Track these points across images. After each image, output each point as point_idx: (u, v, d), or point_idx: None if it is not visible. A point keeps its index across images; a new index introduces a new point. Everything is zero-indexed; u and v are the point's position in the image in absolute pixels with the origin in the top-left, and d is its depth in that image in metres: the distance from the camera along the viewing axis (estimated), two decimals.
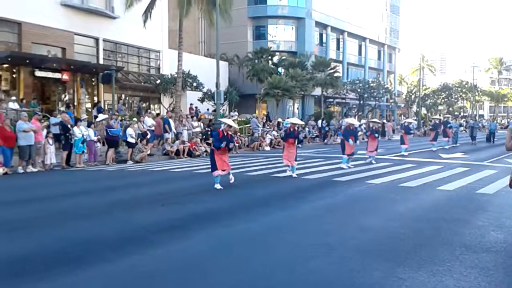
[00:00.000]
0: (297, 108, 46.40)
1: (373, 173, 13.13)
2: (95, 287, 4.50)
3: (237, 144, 23.58)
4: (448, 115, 29.88)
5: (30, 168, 14.62)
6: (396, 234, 6.37)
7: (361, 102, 49.49)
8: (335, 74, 43.07)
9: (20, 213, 8.05)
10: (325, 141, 30.81)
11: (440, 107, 64.87)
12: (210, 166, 10.69)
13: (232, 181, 10.69)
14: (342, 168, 14.20)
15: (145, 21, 26.91)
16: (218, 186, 10.39)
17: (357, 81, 48.51)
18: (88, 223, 7.25)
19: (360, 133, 30.80)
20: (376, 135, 16.84)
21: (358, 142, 15.99)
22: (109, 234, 6.52)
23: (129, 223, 7.21)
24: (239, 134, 25.78)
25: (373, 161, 16.10)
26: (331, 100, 49.39)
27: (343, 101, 50.04)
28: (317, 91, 43.28)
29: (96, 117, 23.63)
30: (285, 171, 13.02)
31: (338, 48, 53.91)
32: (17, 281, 4.59)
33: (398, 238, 6.19)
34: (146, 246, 5.83)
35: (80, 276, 4.74)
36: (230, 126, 10.79)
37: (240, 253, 5.56)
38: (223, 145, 10.37)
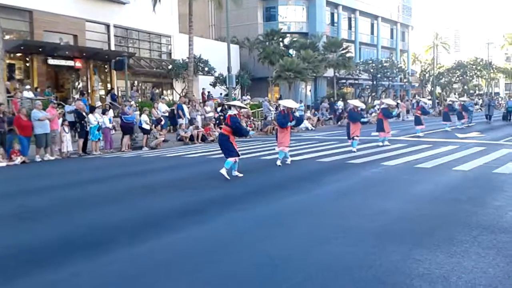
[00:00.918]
0: (310, 90, 46.11)
1: (388, 154, 13.07)
2: (115, 272, 4.58)
3: (250, 128, 23.65)
4: (464, 99, 29.29)
5: (47, 156, 14.82)
6: (412, 216, 6.38)
7: (374, 82, 48.98)
8: (347, 55, 42.60)
9: (38, 201, 8.21)
10: (339, 123, 30.67)
11: (455, 86, 63.97)
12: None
13: (240, 175, 10.02)
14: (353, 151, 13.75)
15: (154, 5, 26.84)
16: (237, 173, 9.99)
17: (370, 61, 47.95)
18: (105, 209, 7.37)
19: (373, 114, 30.62)
20: (389, 115, 16.44)
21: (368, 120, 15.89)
22: (127, 220, 6.62)
23: (146, 209, 7.31)
24: (252, 118, 25.79)
25: (387, 143, 15.79)
26: (344, 81, 48.96)
27: (356, 82, 49.58)
28: (330, 73, 42.93)
29: (111, 104, 23.84)
30: (300, 155, 12.94)
31: (350, 27, 53.22)
32: (38, 268, 4.69)
33: (414, 220, 6.19)
34: (164, 231, 5.91)
35: (100, 262, 4.84)
36: (241, 108, 10.56)
37: (257, 237, 5.62)
38: (251, 132, 10.52)
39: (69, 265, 4.73)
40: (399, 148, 14.72)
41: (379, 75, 47.80)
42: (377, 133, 16.15)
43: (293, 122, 11.95)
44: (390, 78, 49.44)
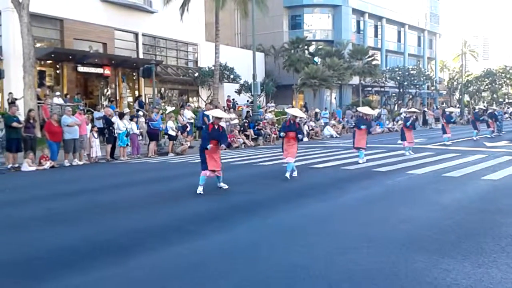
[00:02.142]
0: (335, 98, 45.89)
1: (415, 163, 12.88)
2: (140, 277, 4.63)
3: (274, 135, 23.68)
4: (493, 107, 28.66)
5: (76, 161, 15.15)
6: (440, 225, 6.27)
7: (401, 90, 48.39)
8: (373, 62, 42.29)
9: (66, 205, 8.36)
10: None
11: (484, 94, 62.66)
12: (249, 158, 10.53)
13: (225, 187, 9.33)
14: (358, 163, 12.97)
15: (182, 14, 27.25)
16: (200, 189, 8.87)
17: (397, 69, 47.42)
18: (132, 214, 7.46)
19: (399, 122, 30.25)
20: (412, 125, 15.77)
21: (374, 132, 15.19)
22: (153, 225, 6.71)
23: (171, 214, 7.39)
24: (276, 125, 25.82)
25: (411, 152, 15.30)
26: (370, 89, 48.56)
27: (382, 89, 49.11)
28: (355, 80, 42.67)
29: (138, 110, 24.20)
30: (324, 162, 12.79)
31: (376, 35, 52.84)
32: (66, 271, 4.76)
33: (442, 229, 6.09)
34: (188, 237, 5.97)
35: (126, 266, 4.90)
36: (219, 119, 9.31)
37: (279, 244, 5.61)
38: (209, 147, 8.88)
39: (97, 269, 4.80)
40: (426, 156, 14.51)
41: (405, 83, 47.21)
42: (401, 142, 15.93)
43: (300, 136, 11.08)
44: (417, 86, 48.80)
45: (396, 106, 46.73)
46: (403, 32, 56.46)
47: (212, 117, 9.63)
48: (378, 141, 21.77)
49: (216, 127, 9.12)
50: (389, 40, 54.34)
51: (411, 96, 51.30)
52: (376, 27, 52.79)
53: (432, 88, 55.62)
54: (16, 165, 13.92)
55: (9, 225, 6.90)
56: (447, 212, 7.13)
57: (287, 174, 10.63)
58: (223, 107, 27.17)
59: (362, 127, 13.40)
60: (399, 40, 56.50)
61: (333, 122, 29.63)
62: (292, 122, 11.17)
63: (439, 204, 7.77)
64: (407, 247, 5.28)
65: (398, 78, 46.74)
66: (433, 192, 8.85)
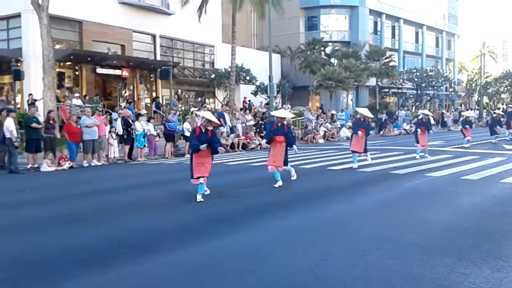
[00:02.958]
0: (351, 100, 45.66)
1: (433, 165, 12.75)
2: (157, 277, 4.67)
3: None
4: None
5: (94, 162, 15.34)
6: (458, 229, 6.20)
7: (419, 91, 47.95)
8: (391, 63, 41.97)
9: (84, 205, 8.47)
10: (381, 132, 30.20)
11: (503, 96, 61.66)
12: (266, 159, 10.19)
13: (207, 192, 8.57)
14: (356, 167, 12.46)
15: (199, 17, 27.43)
16: (199, 197, 8.25)
17: (414, 70, 47.00)
18: (149, 214, 7.53)
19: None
20: (427, 128, 15.20)
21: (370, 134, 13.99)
22: (170, 225, 6.77)
23: (188, 215, 7.45)
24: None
25: (426, 155, 14.80)
26: (387, 90, 48.20)
27: (400, 91, 48.70)
28: (372, 82, 42.39)
29: (155, 112, 24.45)
30: (340, 164, 12.65)
31: (393, 36, 52.43)
32: (84, 270, 4.82)
33: (460, 232, 6.02)
34: (205, 237, 6.00)
35: (144, 265, 4.94)
36: (209, 121, 8.56)
37: (297, 246, 5.59)
38: (202, 147, 8.14)
39: (115, 268, 4.86)
40: (445, 159, 14.34)
41: (423, 84, 46.76)
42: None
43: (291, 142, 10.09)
44: (435, 88, 48.29)
45: (414, 108, 46.30)
46: (421, 33, 55.92)
47: (202, 118, 8.87)
48: (395, 143, 21.61)
49: (203, 131, 8.35)
50: (407, 41, 53.86)
51: (429, 98, 50.79)
52: (393, 28, 52.38)
53: (451, 89, 54.98)
54: (36, 166, 14.15)
55: (29, 225, 7.00)
56: (466, 215, 7.05)
57: (277, 184, 9.67)
58: (239, 108, 27.26)
59: (359, 133, 12.76)
60: (417, 41, 55.96)
61: (349, 123, 29.45)
62: (279, 125, 10.02)
63: (457, 207, 7.69)
64: (426, 250, 5.23)
65: (416, 79, 46.31)
66: (452, 195, 8.76)
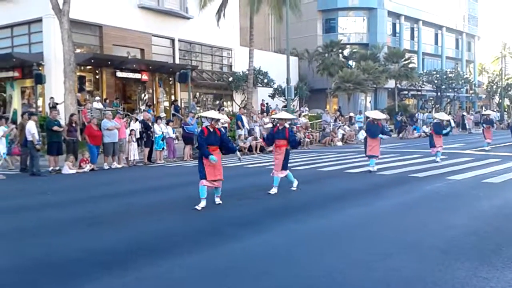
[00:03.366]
0: (370, 102, 45.35)
1: (453, 168, 12.59)
2: (177, 279, 4.71)
3: (308, 140, 23.60)
4: None
5: (115, 164, 15.52)
6: (480, 232, 6.12)
7: (439, 94, 47.38)
8: (410, 65, 41.56)
9: (105, 207, 8.57)
10: (400, 135, 29.93)
11: None
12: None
13: (218, 202, 8.22)
14: (372, 171, 12.18)
15: (218, 20, 27.60)
16: (202, 204, 7.89)
17: (434, 72, 46.45)
18: (168, 217, 7.58)
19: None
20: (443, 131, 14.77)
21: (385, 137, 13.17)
22: (188, 228, 6.83)
23: (207, 217, 7.47)
24: (310, 129, 25.74)
25: (439, 158, 14.33)
26: (406, 92, 47.74)
27: (419, 93, 48.19)
28: (391, 84, 42.03)
29: (174, 115, 24.64)
30: (359, 167, 12.52)
31: (412, 37, 51.93)
32: (105, 272, 4.88)
33: (482, 236, 5.95)
34: (223, 240, 6.03)
35: (163, 268, 4.99)
36: (216, 120, 8.32)
37: (316, 248, 5.59)
38: (213, 159, 7.85)
39: (135, 270, 4.91)
40: (465, 162, 14.15)
41: (443, 86, 46.19)
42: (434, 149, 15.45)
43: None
44: (456, 90, 47.66)
45: (433, 110, 45.77)
46: (440, 35, 55.27)
47: (208, 119, 8.52)
48: (414, 146, 21.39)
49: (212, 130, 8.08)
50: (426, 42, 53.29)
51: (449, 100, 50.15)
52: (412, 29, 51.90)
53: (471, 91, 54.19)
54: (57, 168, 14.36)
55: (50, 227, 7.10)
56: (487, 218, 6.96)
57: (272, 190, 9.30)
58: (257, 111, 27.30)
59: (382, 136, 12.67)
60: (436, 43, 55.34)
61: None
62: (280, 128, 9.69)
63: (479, 210, 7.59)
64: (447, 254, 5.18)
65: (436, 81, 45.79)
66: (473, 198, 8.64)
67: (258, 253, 5.50)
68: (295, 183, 9.74)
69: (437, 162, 14.00)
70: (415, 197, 8.95)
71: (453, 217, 7.10)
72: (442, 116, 16.64)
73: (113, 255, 5.50)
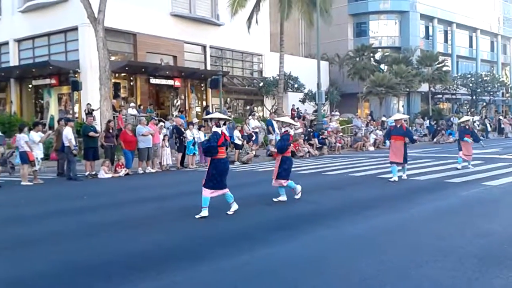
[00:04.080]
0: (402, 106, 44.66)
1: (490, 174, 12.27)
2: (210, 282, 4.76)
3: (339, 144, 23.45)
4: None
5: (149, 169, 15.82)
6: None
7: (474, 97, 46.28)
8: (444, 69, 40.77)
9: (139, 211, 8.73)
10: (435, 140, 29.38)
11: None
12: (315, 167, 10.17)
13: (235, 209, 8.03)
14: (394, 181, 11.43)
15: (249, 27, 27.83)
16: (205, 213, 7.73)
17: (469, 75, 45.43)
18: (201, 221, 7.63)
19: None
20: (473, 137, 13.91)
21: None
22: (221, 232, 6.89)
23: (239, 222, 7.51)
24: (341, 134, 25.57)
25: (470, 165, 13.61)
26: (440, 96, 46.84)
27: (453, 97, 47.19)
28: (424, 87, 41.31)
29: (205, 120, 24.84)
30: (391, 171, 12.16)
31: (446, 40, 50.95)
32: (140, 275, 4.96)
33: None
34: (256, 245, 6.06)
35: (198, 271, 5.05)
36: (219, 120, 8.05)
37: (349, 255, 5.56)
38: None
39: (169, 273, 4.98)
40: (503, 167, 13.76)
41: (478, 90, 45.10)
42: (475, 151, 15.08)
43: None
44: (491, 93, 46.45)
45: (468, 114, 44.74)
46: (474, 37, 54.05)
47: (214, 119, 8.38)
48: (450, 150, 20.93)
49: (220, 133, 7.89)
50: (460, 45, 52.19)
51: (484, 104, 48.93)
52: (446, 32, 50.94)
53: (507, 95, 52.68)
54: (94, 173, 14.72)
55: (86, 231, 7.25)
56: None
57: (280, 198, 9.11)
58: (288, 116, 27.30)
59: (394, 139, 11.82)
60: (470, 46, 54.12)
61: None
62: (287, 133, 9.38)
63: None
64: (484, 262, 5.06)
65: (471, 85, 44.77)
66: (510, 204, 8.43)
67: (289, 258, 5.49)
68: (298, 191, 9.29)
69: (468, 168, 13.43)
70: (451, 203, 8.77)
71: (489, 223, 6.93)
72: (464, 119, 15.61)
73: (148, 259, 5.58)
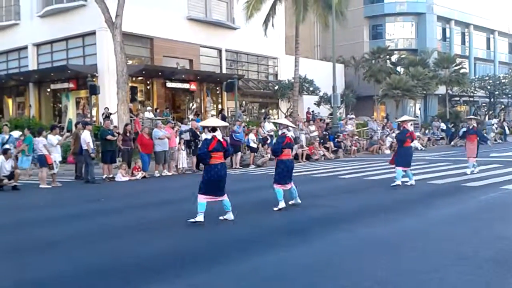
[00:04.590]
0: (419, 109, 44.23)
1: (509, 177, 12.05)
2: (225, 286, 4.78)
3: (355, 148, 23.34)
4: None
5: (165, 172, 15.94)
6: None
7: (492, 100, 45.65)
8: (461, 71, 40.28)
9: (156, 214, 8.79)
10: (452, 143, 29.04)
11: None
12: (330, 171, 10.18)
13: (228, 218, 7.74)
14: (397, 185, 11.03)
15: (265, 30, 27.90)
16: (200, 218, 7.48)
17: (486, 77, 44.80)
18: (216, 224, 7.65)
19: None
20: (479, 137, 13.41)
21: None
22: (235, 236, 6.92)
23: (253, 226, 7.53)
24: (357, 137, 25.45)
25: (475, 170, 13.04)
26: (457, 98, 46.29)
27: (471, 99, 46.61)
28: (441, 90, 40.88)
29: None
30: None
31: (463, 42, 50.35)
32: (156, 278, 5.00)
33: None
34: (271, 248, 6.06)
35: (214, 275, 5.08)
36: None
37: (365, 259, 5.53)
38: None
39: (186, 276, 5.02)
40: None
41: (497, 92, 44.48)
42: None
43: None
44: (510, 95, 45.78)
45: (486, 117, 44.12)
46: (492, 39, 53.32)
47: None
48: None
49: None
50: (478, 47, 51.53)
51: (503, 106, 48.22)
52: (463, 34, 50.37)
53: None
54: (111, 176, 14.88)
55: (104, 233, 7.34)
56: None
57: (280, 205, 8.60)
58: (303, 119, 27.26)
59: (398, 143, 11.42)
60: (488, 47, 53.41)
61: (417, 134, 28.61)
62: (283, 135, 8.98)
63: None
64: (503, 266, 5.01)
65: (489, 87, 44.16)
66: None
67: (305, 262, 5.49)
68: (279, 206, 8.60)
69: (468, 173, 12.77)
70: (469, 207, 8.68)
71: (508, 228, 6.85)
72: (472, 117, 14.88)
73: (165, 261, 5.64)
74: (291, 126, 9.27)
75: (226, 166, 7.96)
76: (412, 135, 11.66)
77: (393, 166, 11.43)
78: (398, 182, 11.01)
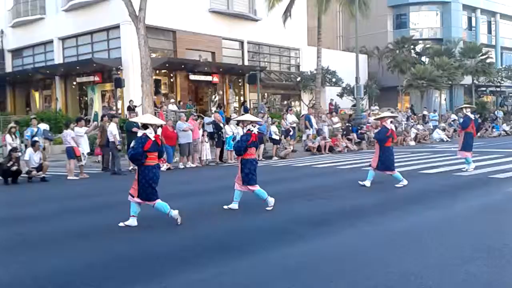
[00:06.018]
0: (444, 99, 43.50)
1: None
2: (252, 275, 4.86)
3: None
4: None
5: (189, 164, 16.12)
6: None
7: None
8: (487, 60, 39.45)
9: (182, 205, 8.86)
10: (478, 134, 28.50)
11: None
12: (354, 162, 10.03)
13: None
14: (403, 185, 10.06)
15: (284, 21, 27.77)
16: (133, 222, 7.20)
17: None
18: (240, 214, 7.77)
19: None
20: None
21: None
22: (260, 226, 7.01)
23: (278, 216, 7.59)
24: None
25: (469, 168, 11.82)
26: (484, 89, 45.37)
27: (498, 89, 45.60)
28: (467, 80, 40.12)
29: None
30: (434, 168, 11.79)
31: (489, 31, 49.21)
32: (184, 268, 5.10)
33: None
34: (295, 239, 6.12)
35: (240, 264, 5.17)
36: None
37: (390, 251, 5.54)
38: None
39: (213, 266, 5.12)
40: None
41: None
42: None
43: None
44: None
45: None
46: None
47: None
48: (495, 145, 20.35)
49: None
50: (505, 36, 50.27)
51: None
52: (489, 23, 49.21)
53: None
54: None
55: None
56: None
57: (230, 206, 8.20)
58: (325, 111, 27.15)
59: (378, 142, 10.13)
60: None
61: (443, 125, 28.21)
62: (247, 132, 8.26)
63: None
64: None
65: None
66: None
67: (329, 253, 5.53)
68: (269, 201, 8.08)
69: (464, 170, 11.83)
70: (496, 199, 8.56)
71: None
72: (467, 106, 13.44)
73: (191, 251, 5.73)
74: (255, 122, 8.41)
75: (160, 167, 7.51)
76: (393, 134, 10.37)
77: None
78: (367, 182, 10.02)
